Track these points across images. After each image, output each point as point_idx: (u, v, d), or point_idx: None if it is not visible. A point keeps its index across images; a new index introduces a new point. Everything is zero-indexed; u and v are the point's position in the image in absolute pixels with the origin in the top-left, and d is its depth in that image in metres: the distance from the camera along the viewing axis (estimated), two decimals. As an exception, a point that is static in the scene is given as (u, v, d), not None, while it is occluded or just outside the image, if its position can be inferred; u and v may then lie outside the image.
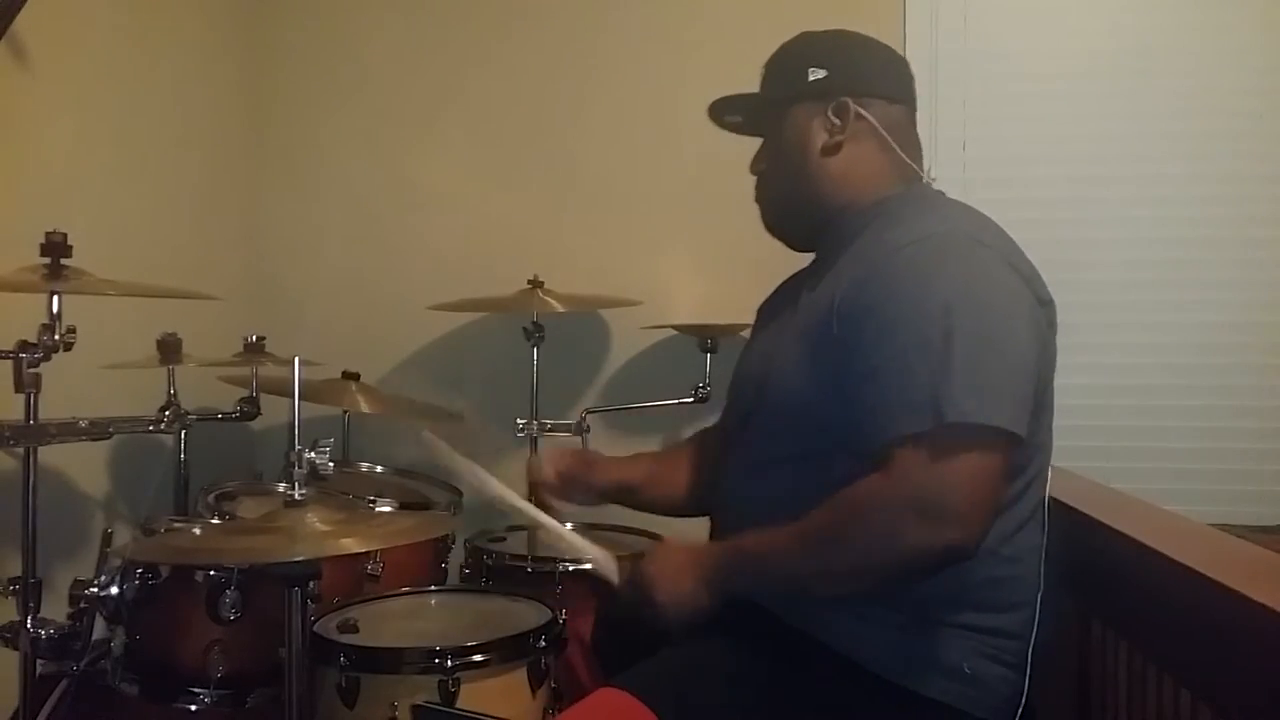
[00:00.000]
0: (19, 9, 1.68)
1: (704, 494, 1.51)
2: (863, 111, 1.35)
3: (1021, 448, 1.15)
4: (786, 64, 1.42)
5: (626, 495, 1.62)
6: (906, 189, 1.35)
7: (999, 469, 1.10)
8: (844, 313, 1.21)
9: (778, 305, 1.49)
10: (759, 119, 1.46)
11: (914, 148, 1.40)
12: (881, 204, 1.33)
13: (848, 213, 1.35)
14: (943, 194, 1.39)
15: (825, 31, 1.43)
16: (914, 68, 2.42)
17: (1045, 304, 1.26)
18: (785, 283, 1.54)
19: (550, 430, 2.27)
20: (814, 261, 1.43)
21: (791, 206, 1.43)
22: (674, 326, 2.44)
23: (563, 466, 1.60)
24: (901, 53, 2.44)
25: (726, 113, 1.51)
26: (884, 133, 1.35)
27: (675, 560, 1.27)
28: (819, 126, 1.37)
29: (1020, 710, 1.22)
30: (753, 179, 1.48)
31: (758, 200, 1.46)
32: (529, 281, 2.28)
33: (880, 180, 1.35)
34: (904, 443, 1.09)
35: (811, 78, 1.37)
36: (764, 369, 1.37)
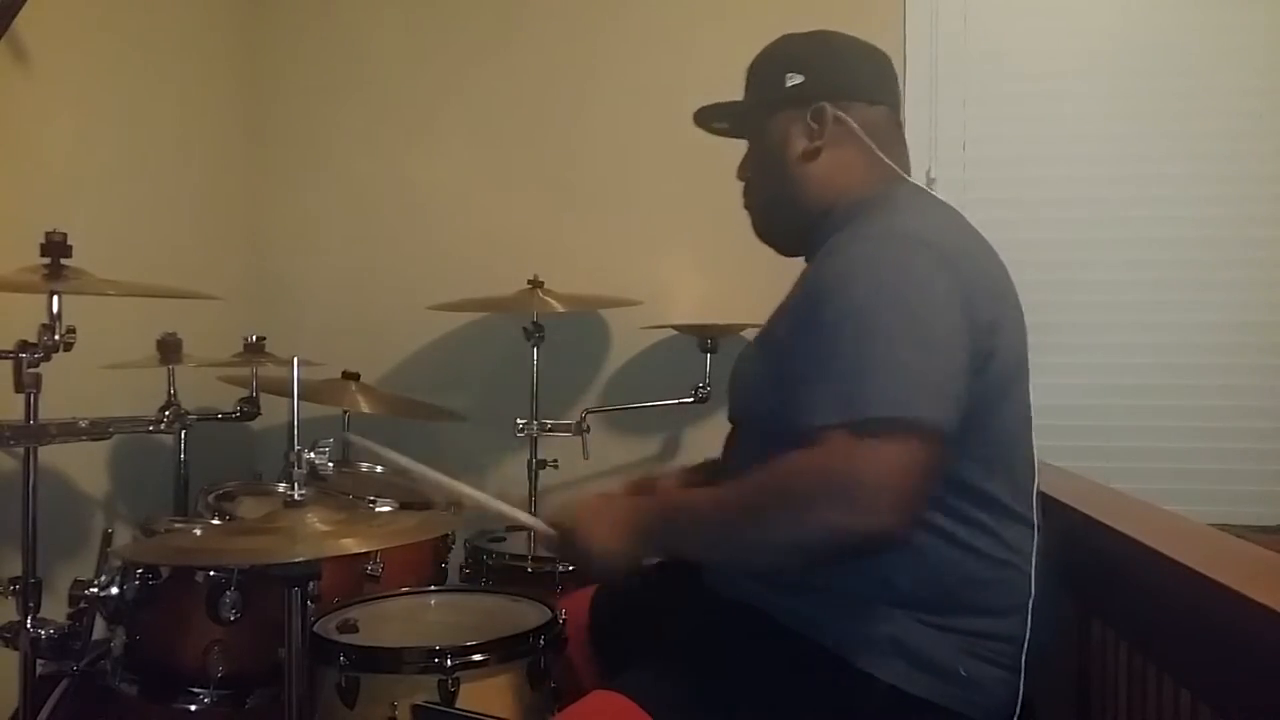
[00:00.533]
0: (19, 9, 1.68)
1: None
2: (842, 115, 1.34)
3: (968, 441, 1.14)
4: (766, 70, 1.42)
5: None
6: (886, 190, 1.34)
7: (921, 460, 1.07)
8: (794, 319, 1.24)
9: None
10: (743, 124, 1.46)
11: (897, 148, 1.38)
12: (858, 206, 1.32)
13: (829, 217, 1.34)
14: (923, 192, 1.37)
15: (805, 34, 1.42)
16: (914, 67, 2.43)
17: (992, 299, 1.23)
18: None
19: (550, 430, 2.27)
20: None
21: (776, 212, 1.43)
22: (674, 326, 2.44)
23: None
24: (901, 53, 2.50)
25: (712, 120, 1.51)
26: (864, 136, 1.34)
27: (607, 516, 1.26)
28: (798, 132, 1.36)
29: (1018, 712, 1.22)
30: None
31: (746, 207, 1.47)
32: (529, 281, 2.28)
33: (861, 183, 1.35)
34: (829, 429, 1.08)
35: (789, 83, 1.37)
36: (740, 380, 1.39)
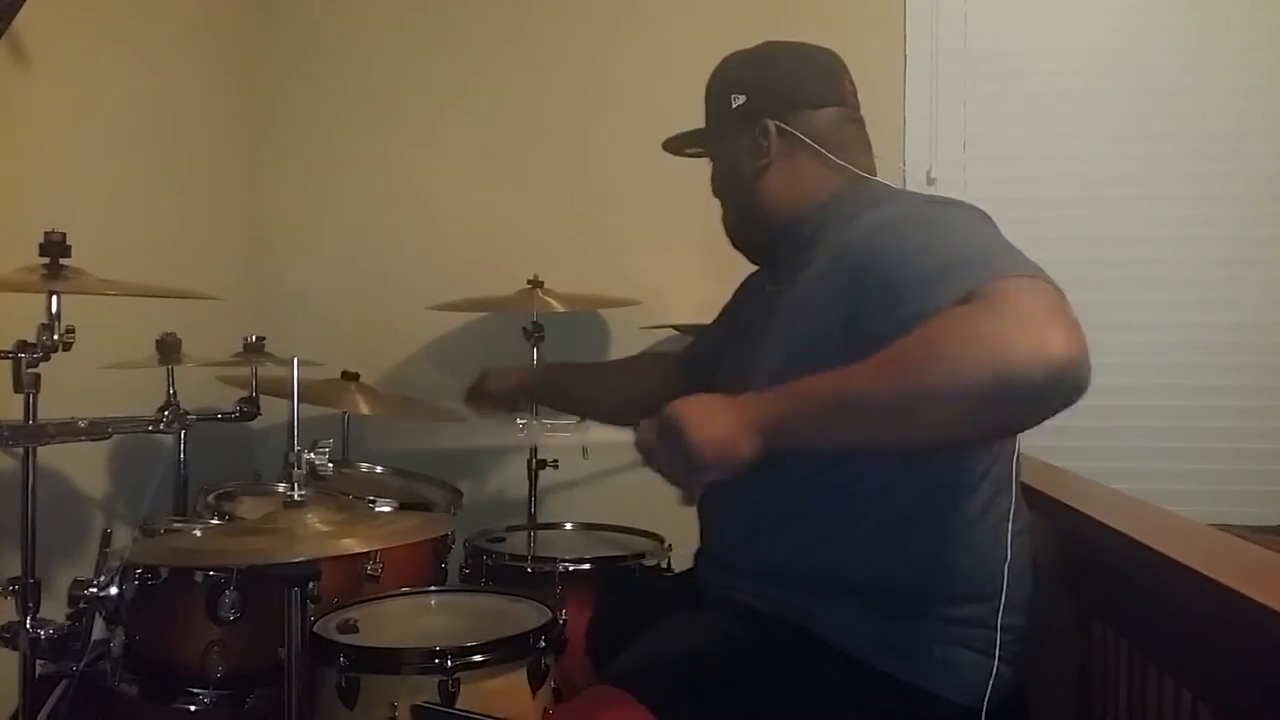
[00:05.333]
0: (19, 9, 1.68)
1: (630, 410, 1.40)
2: (785, 128, 1.36)
3: None
4: (713, 93, 1.45)
5: (555, 395, 1.86)
6: (853, 189, 1.34)
7: (1067, 303, 1.00)
8: (848, 295, 1.16)
9: (742, 314, 1.49)
10: (706, 147, 1.50)
11: (852, 146, 1.38)
12: (832, 204, 1.33)
13: (798, 223, 1.36)
14: (893, 186, 1.38)
15: (747, 51, 1.43)
16: (914, 68, 2.43)
17: None
18: (744, 289, 1.57)
19: (550, 430, 2.26)
20: (772, 270, 1.43)
21: (744, 227, 1.46)
22: (674, 326, 2.44)
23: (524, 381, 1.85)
24: (901, 53, 2.50)
25: (682, 147, 1.54)
26: (812, 143, 1.35)
27: (711, 400, 1.08)
28: (746, 151, 1.38)
29: (1001, 696, 1.22)
30: None
31: (722, 221, 1.49)
32: (529, 281, 2.28)
33: (821, 187, 1.36)
34: (981, 284, 1.00)
35: (734, 104, 1.39)
36: (745, 373, 1.34)
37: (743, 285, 1.59)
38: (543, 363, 2.02)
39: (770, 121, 1.36)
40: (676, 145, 1.55)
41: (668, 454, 1.07)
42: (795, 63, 1.42)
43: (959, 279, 1.01)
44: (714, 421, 1.04)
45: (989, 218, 1.21)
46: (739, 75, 1.42)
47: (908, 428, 0.99)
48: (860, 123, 1.41)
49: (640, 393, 1.73)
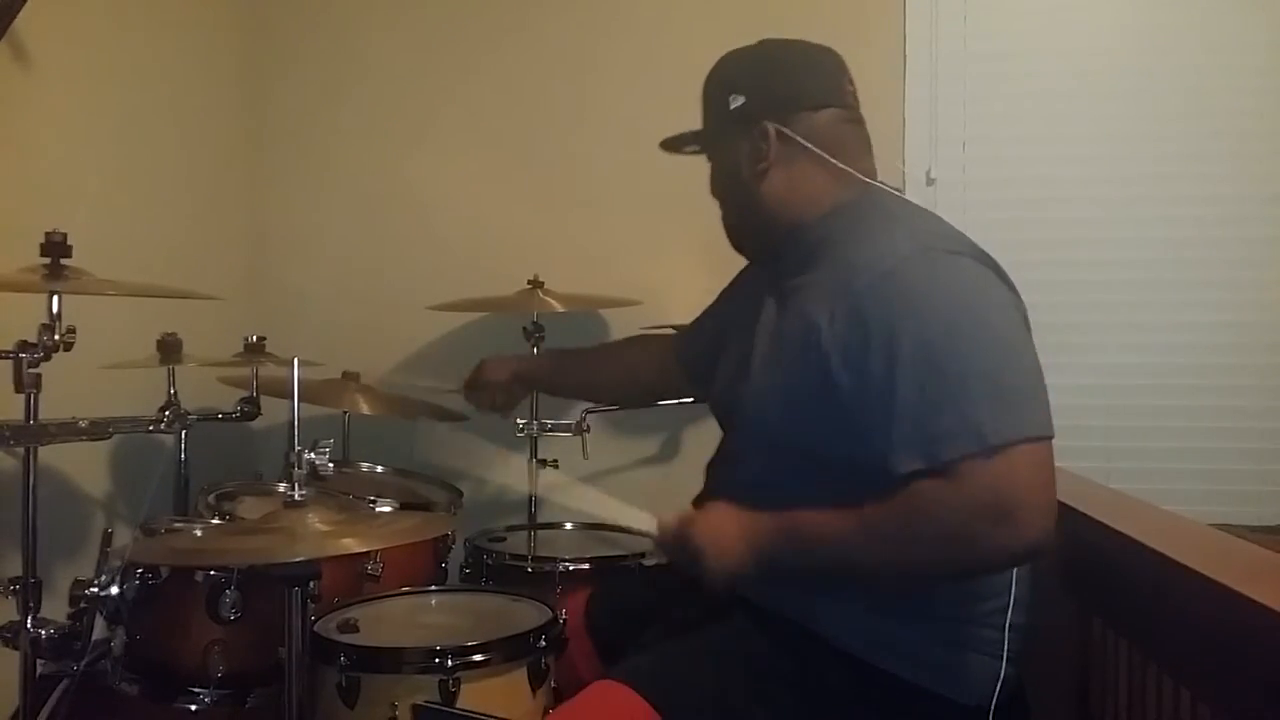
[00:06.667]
0: (19, 9, 1.68)
1: (627, 392, 1.52)
2: (785, 131, 1.34)
3: None
4: (712, 94, 1.43)
5: (552, 382, 1.91)
6: (857, 197, 1.33)
7: (1050, 466, 1.10)
8: (833, 343, 1.19)
9: (746, 312, 1.47)
10: (705, 148, 1.48)
11: (853, 148, 1.37)
12: (834, 215, 1.32)
13: (799, 229, 1.35)
14: (895, 196, 1.37)
15: (746, 50, 1.42)
16: (914, 67, 2.43)
17: (1012, 288, 1.26)
18: (742, 280, 1.57)
19: (550, 430, 2.27)
20: (774, 273, 1.41)
21: (745, 230, 1.45)
22: (674, 326, 2.42)
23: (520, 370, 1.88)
24: (901, 53, 2.50)
25: (679, 145, 1.52)
26: (813, 146, 1.34)
27: (726, 524, 1.24)
28: (746, 154, 1.37)
29: (1005, 696, 1.22)
30: None
31: (723, 221, 1.48)
32: (529, 281, 2.28)
33: (823, 193, 1.34)
34: (960, 461, 1.08)
35: (733, 105, 1.38)
36: (738, 389, 1.37)
37: (741, 277, 1.58)
38: (544, 351, 2.03)
39: (770, 125, 1.34)
40: (675, 144, 1.53)
41: (684, 559, 1.27)
42: (795, 63, 1.40)
43: (953, 433, 1.09)
44: (727, 552, 1.22)
45: (997, 279, 1.22)
46: (737, 75, 1.40)
47: (884, 581, 1.20)
48: (860, 123, 1.40)
49: (634, 373, 1.75)
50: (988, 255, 1.25)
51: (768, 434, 1.31)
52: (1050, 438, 1.11)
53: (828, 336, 1.20)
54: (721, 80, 1.42)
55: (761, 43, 1.42)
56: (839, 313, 1.20)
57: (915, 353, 1.12)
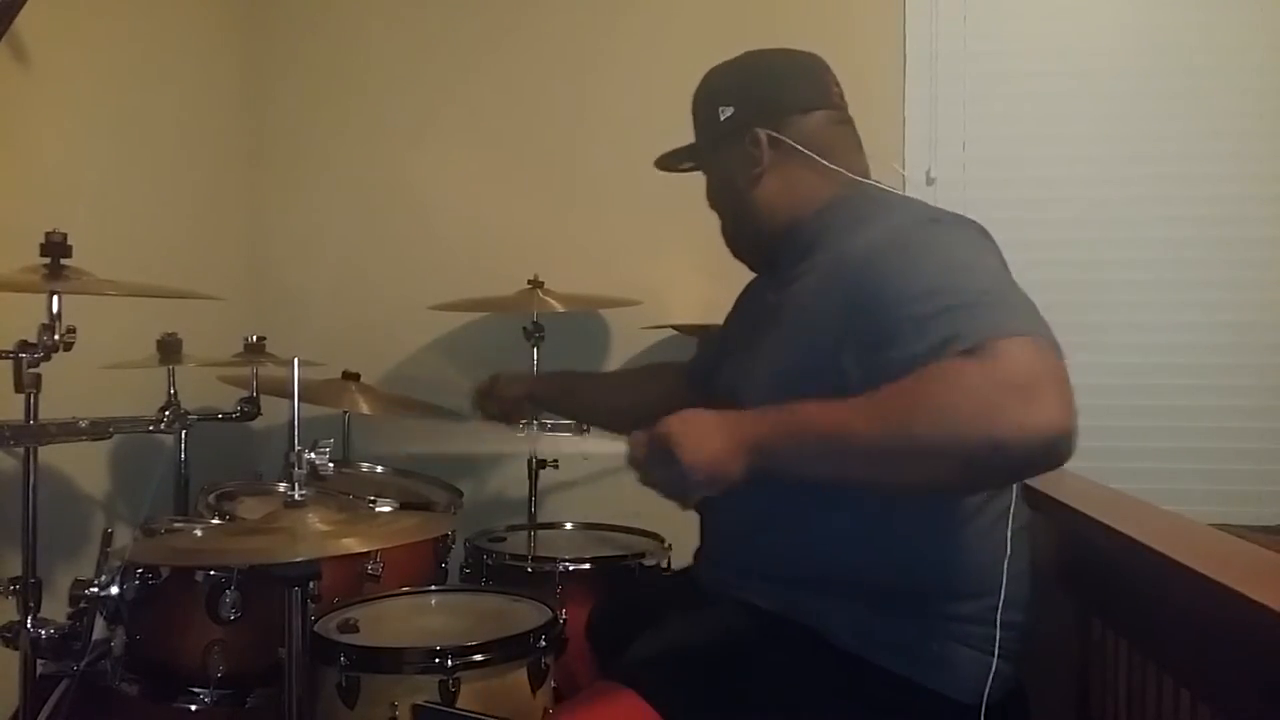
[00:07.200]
0: (19, 9, 1.68)
1: (638, 423, 1.38)
2: (776, 136, 1.35)
3: None
4: (701, 107, 1.45)
5: (564, 403, 1.87)
6: (851, 193, 1.34)
7: (1064, 368, 1.01)
8: (844, 313, 1.17)
9: (744, 320, 1.49)
10: (699, 162, 1.49)
11: (843, 147, 1.38)
12: (828, 210, 1.33)
13: (795, 228, 1.36)
14: (888, 190, 1.37)
15: (730, 62, 1.43)
16: (914, 68, 2.43)
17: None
18: (744, 297, 1.56)
19: (550, 430, 2.27)
20: (771, 277, 1.42)
21: (743, 238, 1.46)
22: (674, 326, 2.44)
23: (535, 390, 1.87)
24: (901, 53, 2.50)
25: (677, 162, 1.54)
26: (804, 149, 1.35)
27: (704, 418, 1.11)
28: (739, 162, 1.38)
29: (1003, 695, 1.22)
30: None
31: (722, 232, 1.49)
32: (529, 281, 2.29)
33: (817, 192, 1.35)
34: (981, 342, 1.00)
35: (722, 116, 1.39)
36: (740, 383, 1.36)
37: (745, 291, 1.59)
38: (559, 372, 2.02)
39: (761, 130, 1.36)
40: (668, 162, 1.55)
41: (660, 470, 1.11)
42: (779, 69, 1.41)
43: (957, 329, 1.01)
44: (706, 442, 1.08)
45: (991, 243, 1.20)
46: (724, 87, 1.42)
47: (890, 474, 1.03)
48: (849, 123, 1.42)
49: (648, 402, 1.72)
50: (986, 230, 1.24)
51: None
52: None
53: (826, 315, 1.20)
54: (709, 93, 1.43)
55: (745, 54, 1.43)
56: (836, 291, 1.20)
57: (914, 302, 1.07)
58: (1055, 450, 0.96)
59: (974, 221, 1.23)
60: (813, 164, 1.35)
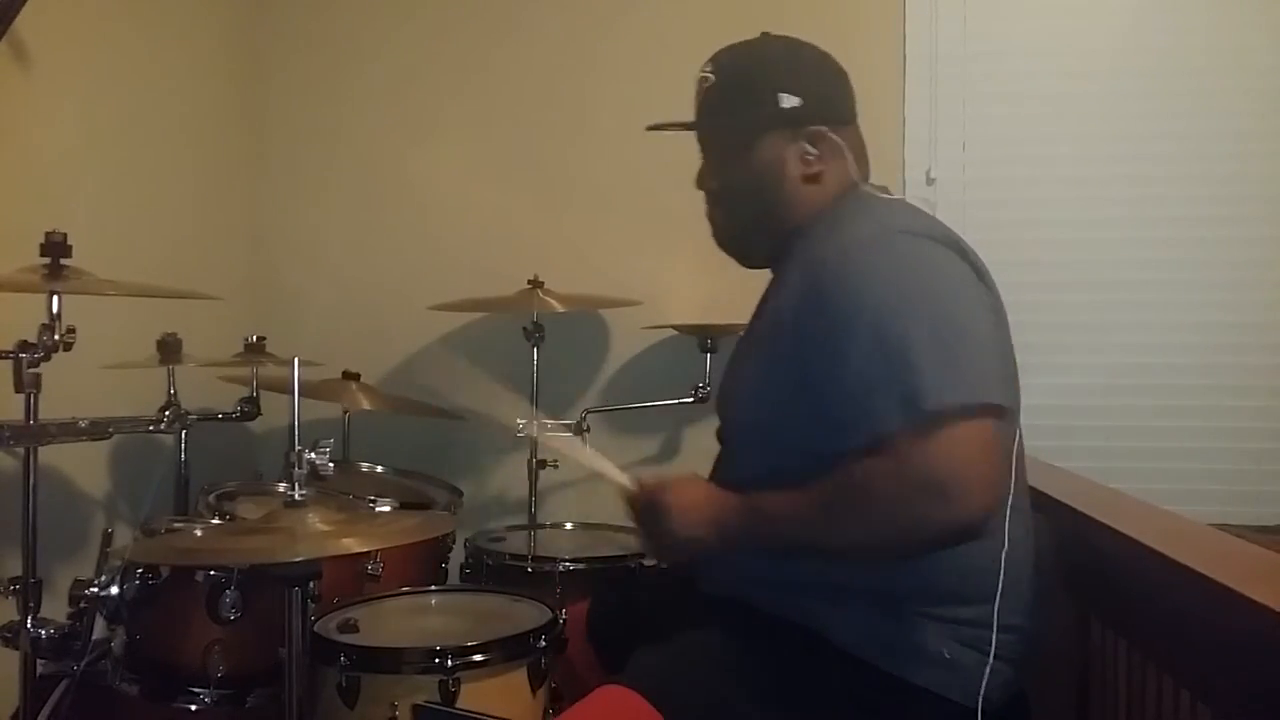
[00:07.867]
0: (19, 9, 1.68)
1: None
2: (837, 140, 1.36)
3: (1008, 416, 1.17)
4: (752, 85, 1.38)
5: None
6: (845, 202, 1.35)
7: (990, 439, 1.10)
8: (798, 329, 1.23)
9: (750, 325, 1.49)
10: (718, 136, 1.43)
11: (864, 162, 1.41)
12: (819, 215, 1.35)
13: (799, 229, 1.36)
14: (878, 195, 1.38)
15: (785, 48, 1.41)
16: (914, 68, 2.44)
17: (984, 275, 1.27)
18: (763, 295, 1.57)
19: (550, 430, 2.27)
20: (773, 277, 1.43)
21: (756, 231, 1.41)
22: (674, 326, 2.44)
23: None
24: (901, 53, 2.50)
25: (674, 129, 1.48)
26: (850, 156, 1.36)
27: (694, 496, 1.29)
28: (794, 155, 1.36)
29: (1005, 699, 1.22)
30: None
31: (709, 217, 1.45)
32: (529, 281, 2.29)
33: (831, 199, 1.36)
34: (895, 434, 1.10)
35: (785, 104, 1.35)
36: (730, 390, 1.42)
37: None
38: None
39: (830, 132, 1.35)
40: (665, 126, 1.48)
41: (648, 524, 1.31)
42: (835, 74, 1.41)
43: (890, 414, 1.10)
44: (693, 523, 1.26)
45: (956, 260, 1.22)
46: (789, 73, 1.37)
47: (834, 552, 1.21)
48: (863, 141, 1.43)
49: None
50: (958, 240, 1.26)
51: (757, 431, 1.33)
52: (998, 408, 1.11)
53: (795, 324, 1.24)
54: (767, 75, 1.38)
55: (800, 46, 1.41)
56: (805, 300, 1.23)
57: (864, 328, 1.14)
58: (969, 532, 1.10)
59: (950, 238, 1.24)
60: (846, 173, 1.36)
